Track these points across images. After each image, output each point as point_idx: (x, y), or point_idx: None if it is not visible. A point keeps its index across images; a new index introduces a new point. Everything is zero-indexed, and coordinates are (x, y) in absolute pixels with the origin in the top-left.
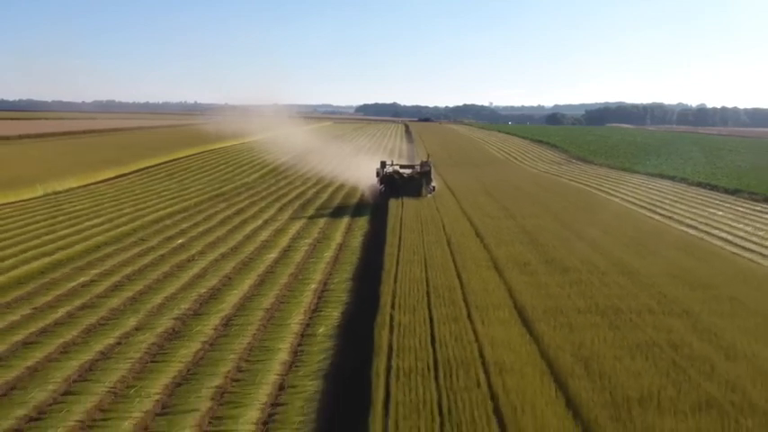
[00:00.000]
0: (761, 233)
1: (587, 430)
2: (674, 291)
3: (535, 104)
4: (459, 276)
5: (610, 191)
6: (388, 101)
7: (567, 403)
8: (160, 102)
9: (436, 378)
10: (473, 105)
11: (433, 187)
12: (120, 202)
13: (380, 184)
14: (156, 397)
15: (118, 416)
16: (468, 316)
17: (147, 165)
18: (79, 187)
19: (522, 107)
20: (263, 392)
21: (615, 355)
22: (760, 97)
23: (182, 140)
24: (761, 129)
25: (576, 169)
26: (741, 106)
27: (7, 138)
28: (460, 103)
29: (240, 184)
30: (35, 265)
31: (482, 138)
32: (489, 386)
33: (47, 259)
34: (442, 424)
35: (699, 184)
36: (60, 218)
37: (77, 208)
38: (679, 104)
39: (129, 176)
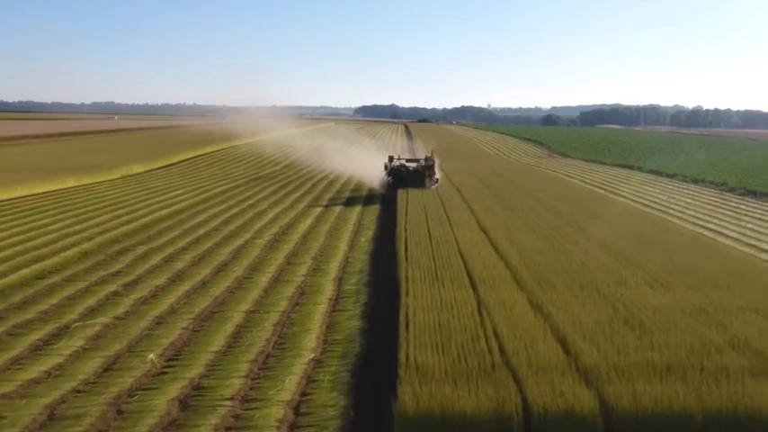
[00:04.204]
0: (672, 200)
1: (503, 258)
2: (579, 219)
3: (533, 106)
4: (446, 214)
5: (572, 175)
6: (387, 102)
7: (496, 252)
8: (159, 103)
9: (431, 245)
10: (471, 107)
11: (437, 179)
12: (185, 181)
13: (388, 176)
14: (281, 260)
15: (265, 267)
16: (450, 227)
17: (186, 157)
18: (144, 172)
19: (520, 109)
20: (337, 258)
21: (529, 240)
22: (755, 99)
23: (202, 138)
24: (747, 129)
25: (554, 161)
26: (735, 108)
27: (51, 135)
28: (459, 105)
29: (272, 171)
30: (159, 214)
31: (476, 137)
32: (458, 248)
33: (164, 211)
34: (434, 256)
35: (650, 171)
36: (148, 191)
37: (155, 185)
38: (675, 106)
39: (177, 165)
